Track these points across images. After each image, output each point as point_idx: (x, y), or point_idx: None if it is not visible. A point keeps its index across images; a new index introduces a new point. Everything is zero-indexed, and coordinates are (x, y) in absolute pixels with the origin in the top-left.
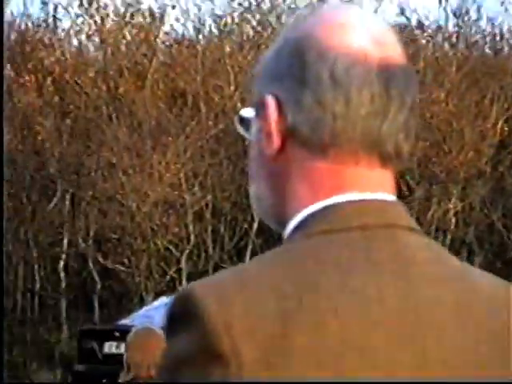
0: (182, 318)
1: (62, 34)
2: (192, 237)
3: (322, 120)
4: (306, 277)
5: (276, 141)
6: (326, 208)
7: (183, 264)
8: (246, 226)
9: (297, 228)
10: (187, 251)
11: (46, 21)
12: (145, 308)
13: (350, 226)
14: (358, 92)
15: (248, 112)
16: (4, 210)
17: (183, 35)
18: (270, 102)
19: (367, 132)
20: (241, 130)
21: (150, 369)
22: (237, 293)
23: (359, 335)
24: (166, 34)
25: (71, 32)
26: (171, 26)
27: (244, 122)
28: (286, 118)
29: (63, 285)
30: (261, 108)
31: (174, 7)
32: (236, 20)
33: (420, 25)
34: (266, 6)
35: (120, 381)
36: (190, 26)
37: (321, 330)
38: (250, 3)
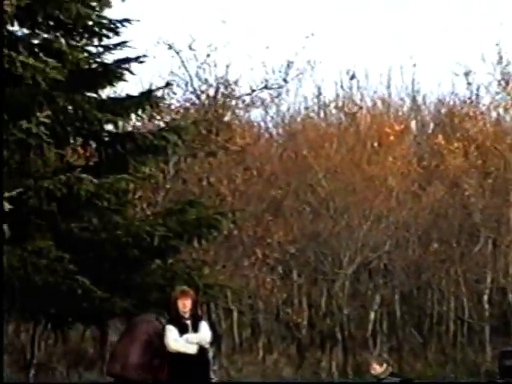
0: None
1: (483, 108)
2: None
3: None
4: None
5: None
6: None
7: None
8: None
9: None
10: None
11: (470, 98)
12: None
13: None
14: None
15: None
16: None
17: None
18: None
19: None
20: None
21: None
22: None
23: None
24: None
25: (491, 106)
26: None
27: None
28: None
29: (487, 314)
30: None
31: None
32: None
33: None
34: None
35: None
36: None
37: None
38: None
